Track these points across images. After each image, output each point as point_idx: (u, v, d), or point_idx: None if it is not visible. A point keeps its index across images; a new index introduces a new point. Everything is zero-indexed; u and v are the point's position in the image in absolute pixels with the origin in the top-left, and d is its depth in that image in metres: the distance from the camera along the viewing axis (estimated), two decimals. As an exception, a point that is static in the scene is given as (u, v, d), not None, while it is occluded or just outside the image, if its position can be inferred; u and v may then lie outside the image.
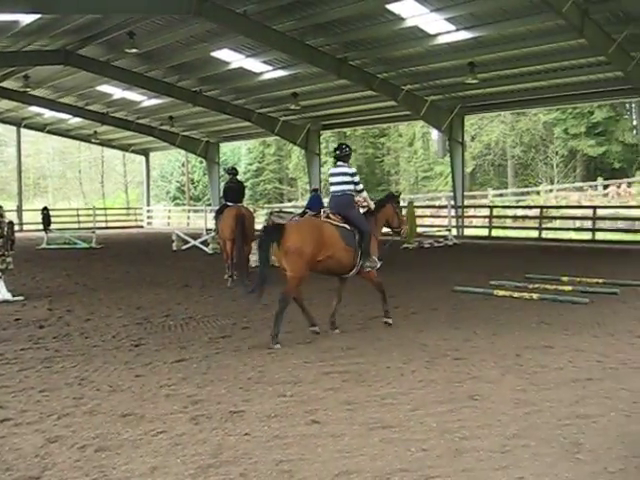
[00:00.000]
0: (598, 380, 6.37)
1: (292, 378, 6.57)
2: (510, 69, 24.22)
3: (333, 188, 9.13)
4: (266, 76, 27.88)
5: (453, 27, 21.09)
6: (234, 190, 14.48)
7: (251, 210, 15.58)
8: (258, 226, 17.58)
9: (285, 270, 8.32)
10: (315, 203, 18.18)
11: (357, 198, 9.26)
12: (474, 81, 24.19)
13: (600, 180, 36.91)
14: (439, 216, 32.13)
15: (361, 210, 9.34)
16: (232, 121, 35.96)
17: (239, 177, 15.29)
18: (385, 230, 9.79)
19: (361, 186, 9.26)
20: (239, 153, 59.19)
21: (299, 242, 8.24)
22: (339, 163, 9.16)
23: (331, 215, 8.89)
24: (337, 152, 9.21)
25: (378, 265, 9.09)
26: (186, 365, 7.18)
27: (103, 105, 36.84)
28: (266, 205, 49.14)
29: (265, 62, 26.51)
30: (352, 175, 9.08)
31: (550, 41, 21.22)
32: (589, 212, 27.04)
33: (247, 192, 50.65)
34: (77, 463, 4.57)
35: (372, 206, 9.47)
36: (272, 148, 57.96)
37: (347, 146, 9.34)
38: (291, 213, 18.58)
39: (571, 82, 24.94)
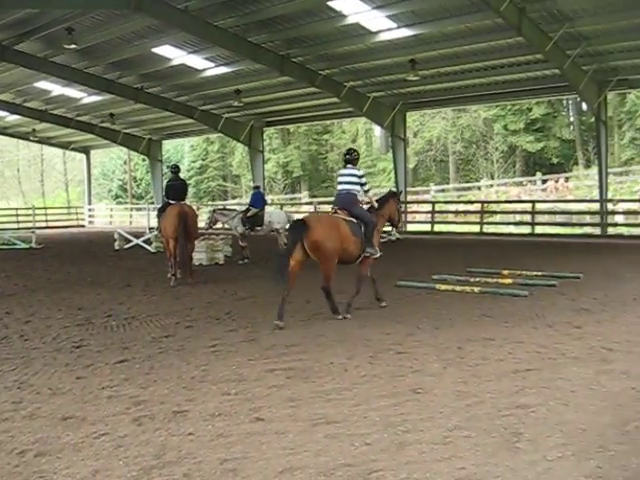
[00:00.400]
0: (537, 370, 6.50)
1: (236, 376, 6.54)
2: (450, 66, 24.57)
3: (340, 187, 9.99)
4: (208, 73, 27.68)
5: (394, 24, 21.25)
6: (176, 188, 14.35)
7: (194, 208, 15.47)
8: (201, 224, 17.53)
9: (297, 260, 9.11)
10: (257, 200, 18.16)
11: (362, 198, 10.13)
12: (415, 78, 24.47)
13: (539, 175, 37.73)
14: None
15: (365, 207, 10.22)
16: (174, 118, 35.60)
17: (182, 175, 15.16)
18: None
19: (367, 187, 10.13)
20: (182, 150, 58.64)
21: (325, 236, 9.13)
22: (348, 166, 10.02)
23: (339, 211, 9.72)
24: (347, 156, 10.11)
25: (378, 255, 9.99)
26: (129, 366, 7.09)
27: (42, 102, 36.01)
28: (210, 203, 48.85)
29: (207, 58, 26.31)
30: (360, 177, 9.95)
31: (489, 39, 21.59)
32: (528, 206, 27.61)
33: (191, 190, 49.77)
34: (16, 469, 4.47)
35: (375, 205, 10.37)
36: (215, 145, 57.57)
37: (355, 151, 10.21)
38: (235, 210, 18.50)
39: (510, 79, 25.44)
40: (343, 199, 9.82)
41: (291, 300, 10.22)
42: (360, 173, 9.97)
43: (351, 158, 10.02)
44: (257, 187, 19.06)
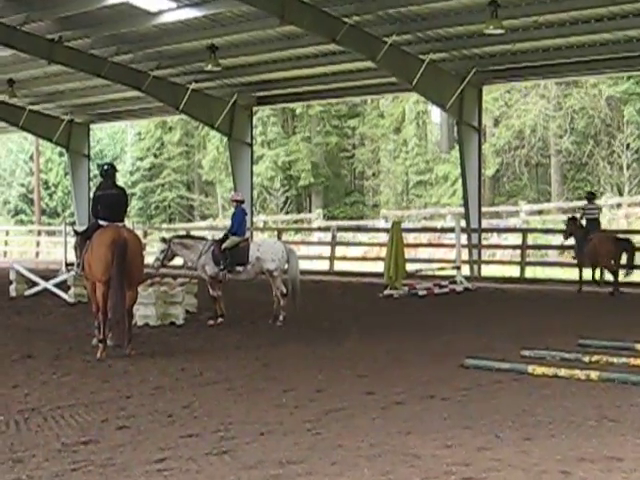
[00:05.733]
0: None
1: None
2: (556, 12, 24.50)
3: (591, 217, 22.43)
4: (166, 17, 27.82)
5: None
6: (111, 201, 14.38)
7: (138, 234, 15.46)
8: (150, 258, 17.47)
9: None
10: (240, 223, 18.12)
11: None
12: (498, 31, 24.43)
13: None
14: (442, 245, 32.36)
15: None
16: (111, 89, 35.85)
17: (120, 180, 15.19)
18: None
19: None
20: (122, 141, 59.05)
21: None
22: (592, 202, 22.60)
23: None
24: (591, 195, 23.68)
25: None
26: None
27: None
28: (165, 226, 48.97)
29: (166, -5, 26.57)
30: (600, 209, 22.32)
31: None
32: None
33: (133, 203, 50.03)
34: None
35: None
36: (176, 134, 57.95)
37: (595, 193, 21.26)
38: (204, 239, 18.43)
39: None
40: (599, 225, 22.76)
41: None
42: (599, 207, 23.34)
43: (593, 197, 23.53)
44: (240, 202, 18.95)
